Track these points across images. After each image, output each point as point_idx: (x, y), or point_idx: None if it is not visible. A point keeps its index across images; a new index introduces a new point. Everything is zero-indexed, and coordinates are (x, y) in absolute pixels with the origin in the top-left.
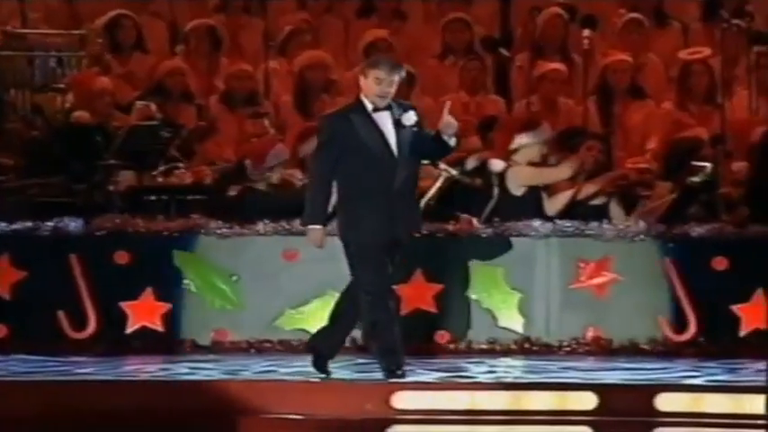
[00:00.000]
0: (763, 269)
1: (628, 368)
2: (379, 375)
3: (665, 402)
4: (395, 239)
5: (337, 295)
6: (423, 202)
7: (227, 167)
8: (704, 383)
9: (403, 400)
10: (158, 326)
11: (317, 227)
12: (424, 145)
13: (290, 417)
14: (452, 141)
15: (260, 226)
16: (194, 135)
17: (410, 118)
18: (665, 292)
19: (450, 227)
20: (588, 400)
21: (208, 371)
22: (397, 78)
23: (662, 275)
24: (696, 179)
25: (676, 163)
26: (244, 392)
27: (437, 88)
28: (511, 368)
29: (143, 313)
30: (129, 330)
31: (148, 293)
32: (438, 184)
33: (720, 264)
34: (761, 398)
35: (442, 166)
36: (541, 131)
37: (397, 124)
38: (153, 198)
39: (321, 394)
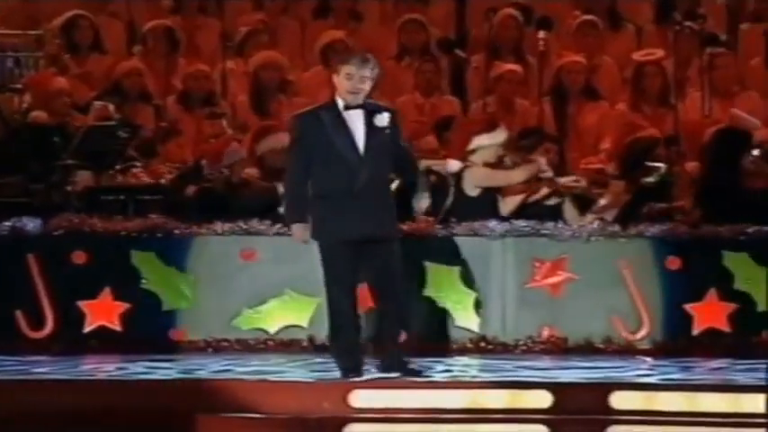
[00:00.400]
0: (716, 268)
1: (583, 367)
2: (337, 374)
3: (620, 400)
4: (361, 240)
5: (295, 294)
6: None
7: (185, 167)
8: (658, 382)
9: (360, 399)
10: (116, 325)
11: (299, 224)
12: (395, 156)
13: (248, 416)
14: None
15: (218, 226)
16: (156, 136)
17: (383, 120)
18: (619, 291)
19: (406, 227)
20: (543, 399)
21: (165, 370)
22: (368, 74)
23: (617, 275)
24: (651, 179)
25: (631, 163)
26: (201, 392)
27: (393, 89)
28: (467, 367)
29: (101, 313)
30: (86, 330)
31: (106, 293)
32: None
33: (674, 263)
34: (714, 396)
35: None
36: (498, 133)
37: (370, 125)
38: (111, 198)
39: (279, 393)
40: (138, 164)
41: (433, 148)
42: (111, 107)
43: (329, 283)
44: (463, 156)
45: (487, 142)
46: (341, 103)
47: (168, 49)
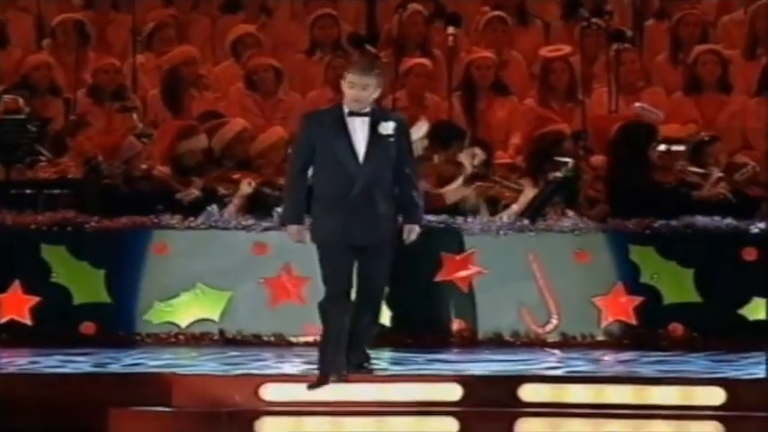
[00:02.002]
0: (623, 262)
1: (492, 360)
2: (247, 368)
3: (528, 393)
4: (354, 245)
5: (206, 288)
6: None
7: (94, 162)
8: (566, 374)
9: (271, 393)
10: (26, 319)
11: (293, 225)
12: (396, 165)
13: (159, 409)
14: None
15: (128, 219)
16: (65, 129)
17: (387, 128)
18: (528, 284)
19: None
20: (453, 392)
21: (77, 364)
22: (370, 81)
23: (526, 268)
24: (558, 174)
25: (539, 158)
26: (112, 385)
27: (304, 83)
28: (378, 360)
29: (11, 306)
30: None
31: (16, 287)
32: None
33: (582, 257)
34: (621, 387)
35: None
36: (420, 127)
37: (373, 132)
38: (20, 192)
39: (190, 386)
40: (45, 158)
41: None
42: (21, 100)
43: (324, 282)
44: None
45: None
46: (346, 109)
47: (78, 43)
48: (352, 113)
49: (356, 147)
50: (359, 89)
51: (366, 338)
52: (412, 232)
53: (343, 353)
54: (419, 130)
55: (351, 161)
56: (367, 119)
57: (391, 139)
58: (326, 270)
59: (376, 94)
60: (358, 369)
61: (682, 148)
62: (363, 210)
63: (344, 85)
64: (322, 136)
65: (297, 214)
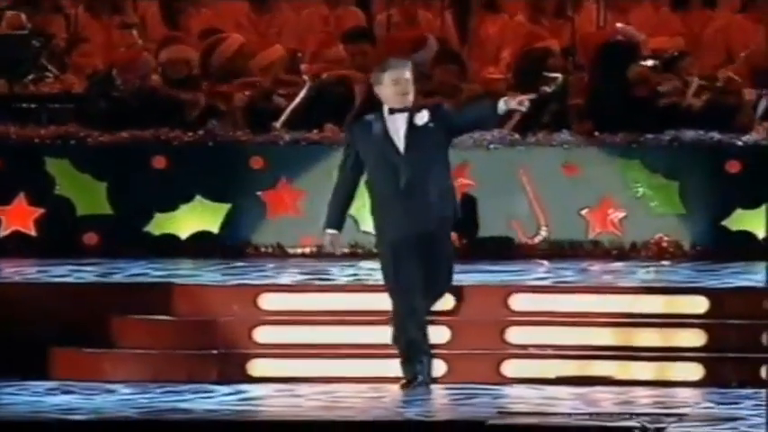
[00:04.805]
0: (610, 175)
1: (483, 270)
2: (246, 279)
3: (519, 302)
4: (412, 237)
5: (205, 201)
6: (288, 110)
7: (97, 77)
8: (553, 284)
9: (269, 302)
10: (31, 230)
11: (331, 231)
12: (455, 123)
13: (159, 318)
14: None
15: (129, 134)
16: (67, 46)
17: (423, 117)
18: (518, 197)
19: (315, 135)
20: (446, 301)
21: (80, 273)
22: (410, 73)
23: (516, 182)
24: (547, 89)
25: (529, 73)
26: (115, 294)
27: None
28: (372, 271)
29: (15, 218)
30: (1, 234)
31: (20, 199)
32: (303, 93)
33: (571, 170)
34: (607, 297)
35: None
36: (429, 49)
37: (411, 125)
38: (24, 106)
39: (190, 296)
40: (49, 74)
41: (339, 57)
42: (24, 16)
43: (387, 285)
44: None
45: (419, 59)
46: (386, 109)
47: None
48: (392, 111)
49: (397, 142)
50: (405, 83)
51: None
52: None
53: (421, 355)
54: (430, 52)
55: (393, 155)
56: (406, 114)
57: (431, 125)
58: (388, 271)
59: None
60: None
61: (659, 62)
62: (413, 201)
63: (384, 85)
64: (366, 139)
65: (332, 219)
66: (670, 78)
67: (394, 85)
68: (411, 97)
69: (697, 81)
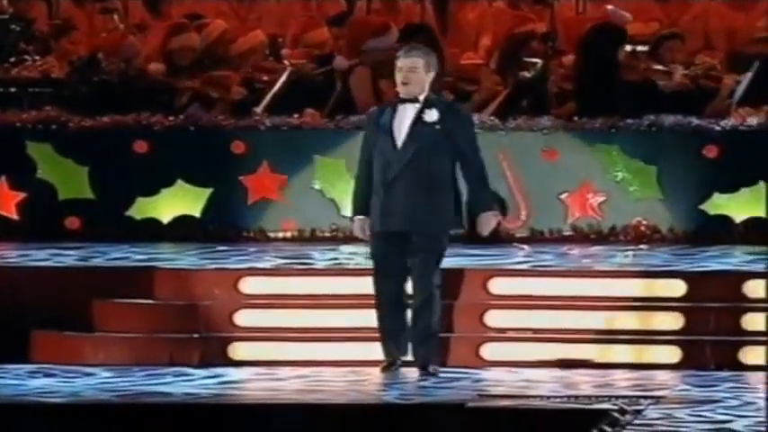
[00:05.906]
0: (589, 160)
1: (465, 254)
2: (227, 263)
3: (498, 286)
4: (391, 235)
5: (187, 185)
6: (268, 97)
7: (81, 61)
8: (532, 268)
9: (250, 286)
10: (13, 214)
11: (360, 217)
12: (457, 145)
13: (141, 302)
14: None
15: (110, 118)
16: (50, 32)
17: (431, 115)
18: (498, 182)
19: (295, 120)
20: None
21: (62, 257)
22: (417, 63)
23: (496, 166)
24: (527, 74)
25: (509, 58)
26: (96, 278)
27: None
28: (353, 255)
29: None
30: None
31: (2, 183)
32: (283, 78)
33: (550, 155)
34: (586, 281)
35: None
36: (389, 38)
37: (418, 119)
38: (5, 90)
39: (171, 280)
40: (29, 58)
41: (323, 39)
42: (4, 1)
43: (373, 271)
44: (356, 54)
45: (378, 46)
46: (400, 98)
47: None
48: (404, 101)
49: (396, 133)
50: (406, 71)
51: (426, 343)
52: (486, 222)
53: (399, 342)
54: (388, 40)
55: (390, 148)
56: (416, 105)
57: (437, 127)
58: (374, 258)
59: (429, 77)
60: (421, 369)
61: (646, 48)
62: (402, 196)
63: (395, 73)
64: (372, 127)
65: (360, 206)
66: (651, 64)
67: (398, 72)
68: (414, 88)
69: (681, 69)
